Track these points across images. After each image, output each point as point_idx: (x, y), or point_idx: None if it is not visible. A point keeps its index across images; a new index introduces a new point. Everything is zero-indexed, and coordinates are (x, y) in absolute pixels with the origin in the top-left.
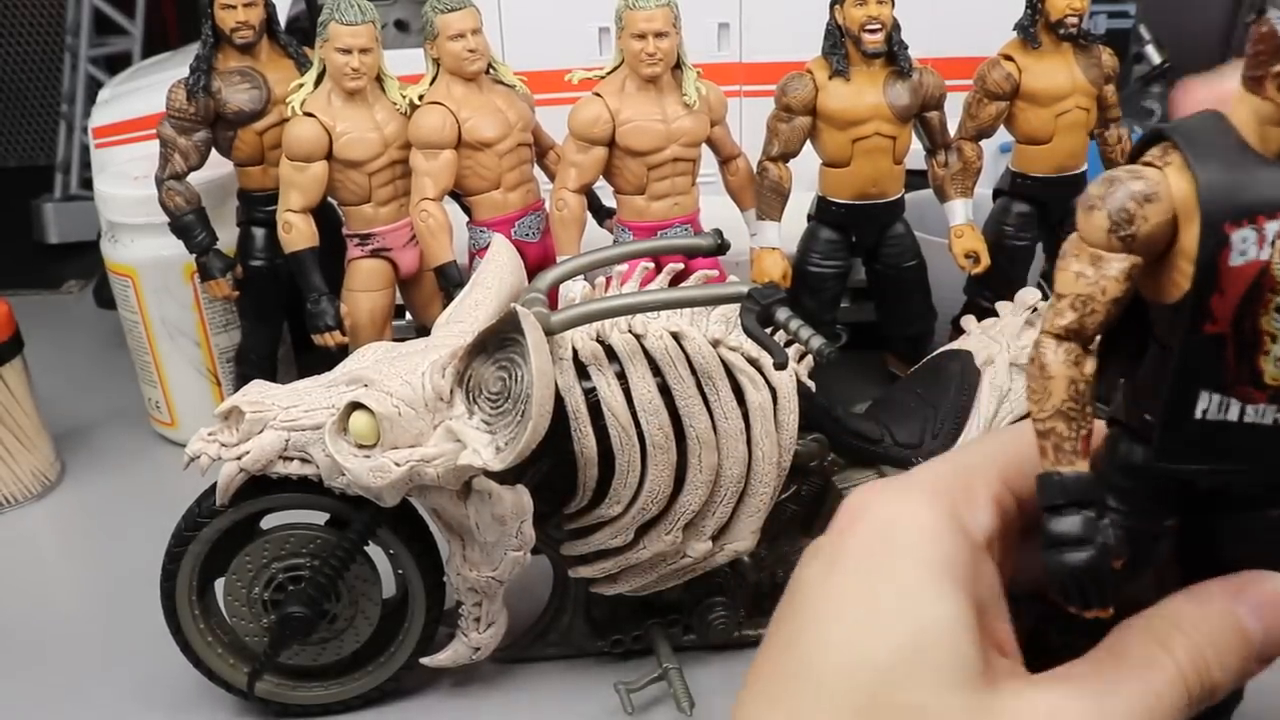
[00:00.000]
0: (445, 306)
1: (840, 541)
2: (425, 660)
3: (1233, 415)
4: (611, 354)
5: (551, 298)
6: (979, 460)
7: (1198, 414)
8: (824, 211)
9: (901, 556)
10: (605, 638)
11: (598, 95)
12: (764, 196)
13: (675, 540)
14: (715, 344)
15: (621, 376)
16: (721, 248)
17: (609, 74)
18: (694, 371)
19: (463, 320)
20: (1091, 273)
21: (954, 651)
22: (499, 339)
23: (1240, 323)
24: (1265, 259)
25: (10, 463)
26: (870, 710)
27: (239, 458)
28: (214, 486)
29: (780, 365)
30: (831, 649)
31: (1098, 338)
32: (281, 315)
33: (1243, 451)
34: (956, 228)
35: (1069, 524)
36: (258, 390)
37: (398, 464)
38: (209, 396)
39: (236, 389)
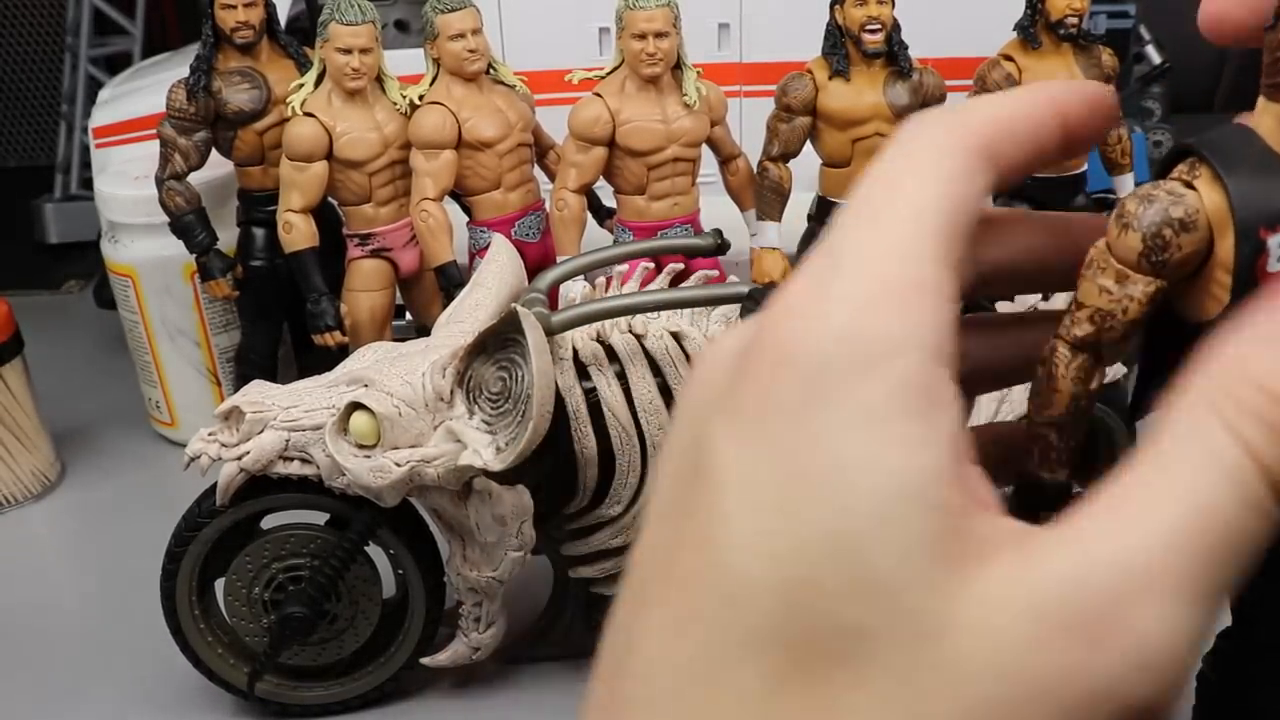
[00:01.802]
0: (445, 306)
1: (759, 391)
2: (425, 660)
3: None
4: (612, 354)
5: (551, 298)
6: (912, 226)
7: None
8: (824, 212)
9: (842, 403)
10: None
11: (598, 95)
12: (764, 197)
13: None
14: None
15: (622, 377)
16: (721, 248)
17: (609, 74)
18: None
19: (463, 320)
20: (1116, 290)
21: (915, 528)
22: (499, 339)
23: None
24: None
25: (10, 463)
26: (808, 646)
27: (239, 458)
28: (214, 487)
29: None
30: (756, 558)
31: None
32: (281, 315)
33: None
34: None
35: None
36: (258, 390)
37: (398, 464)
38: (209, 396)
39: (236, 389)
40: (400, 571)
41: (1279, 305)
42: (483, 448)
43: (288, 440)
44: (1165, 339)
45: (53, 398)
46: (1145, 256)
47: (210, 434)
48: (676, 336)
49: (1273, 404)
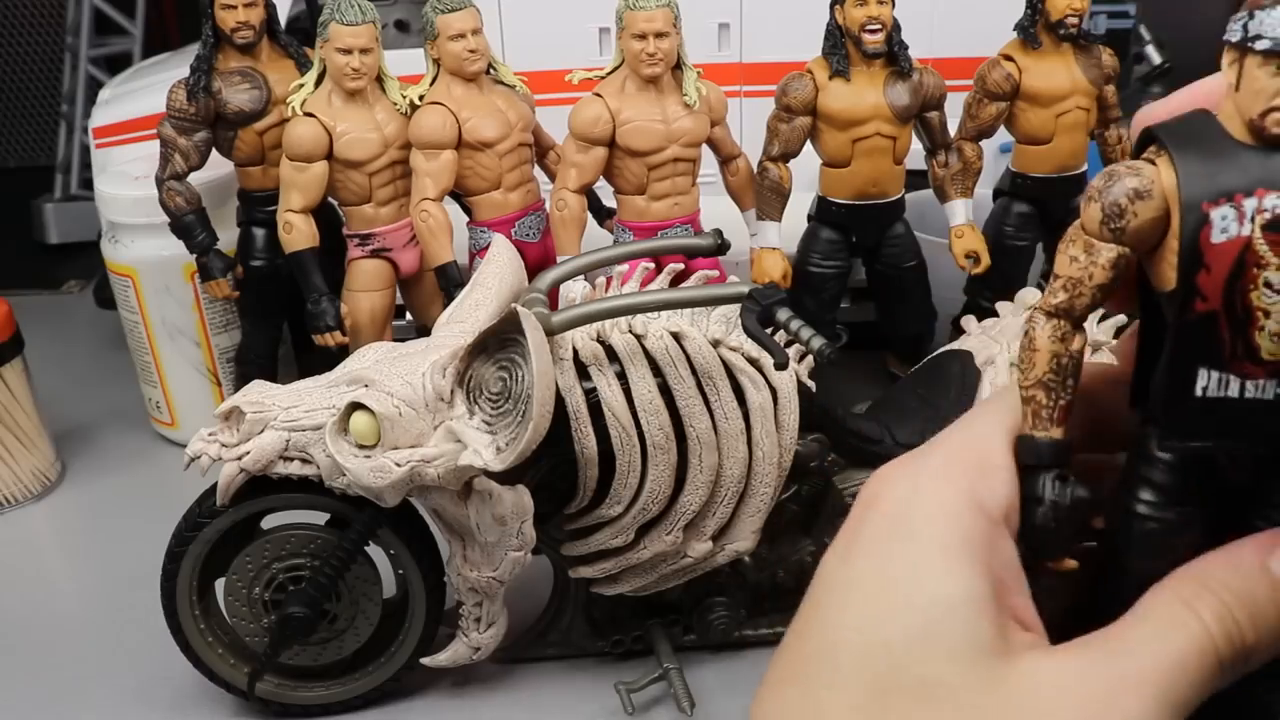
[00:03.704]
0: (445, 307)
1: (857, 527)
2: (425, 660)
3: (1233, 391)
4: (612, 354)
5: (552, 298)
6: (989, 427)
7: (1198, 391)
8: (824, 211)
9: (914, 538)
10: (605, 638)
11: (598, 95)
12: (764, 197)
13: (676, 540)
14: (716, 344)
15: (622, 377)
16: (721, 248)
17: (609, 74)
18: (694, 372)
19: (463, 320)
20: (1084, 259)
21: (967, 627)
22: (499, 339)
23: (1231, 300)
24: (1247, 234)
25: (10, 463)
26: (884, 686)
27: (239, 458)
28: (214, 487)
29: (781, 365)
30: (845, 630)
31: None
32: (282, 315)
33: (1245, 427)
34: (957, 228)
35: (1037, 484)
36: (258, 390)
37: (398, 464)
38: (209, 396)
39: (237, 389)
40: (400, 571)
41: (1242, 545)
42: (483, 448)
43: (288, 440)
44: (1155, 332)
45: (53, 398)
46: (1105, 224)
47: (210, 434)
48: (677, 337)
49: (1213, 595)
